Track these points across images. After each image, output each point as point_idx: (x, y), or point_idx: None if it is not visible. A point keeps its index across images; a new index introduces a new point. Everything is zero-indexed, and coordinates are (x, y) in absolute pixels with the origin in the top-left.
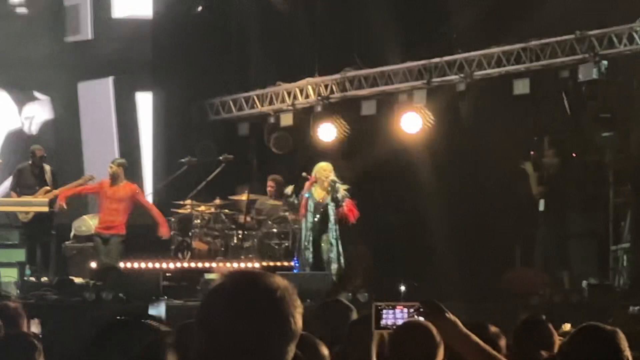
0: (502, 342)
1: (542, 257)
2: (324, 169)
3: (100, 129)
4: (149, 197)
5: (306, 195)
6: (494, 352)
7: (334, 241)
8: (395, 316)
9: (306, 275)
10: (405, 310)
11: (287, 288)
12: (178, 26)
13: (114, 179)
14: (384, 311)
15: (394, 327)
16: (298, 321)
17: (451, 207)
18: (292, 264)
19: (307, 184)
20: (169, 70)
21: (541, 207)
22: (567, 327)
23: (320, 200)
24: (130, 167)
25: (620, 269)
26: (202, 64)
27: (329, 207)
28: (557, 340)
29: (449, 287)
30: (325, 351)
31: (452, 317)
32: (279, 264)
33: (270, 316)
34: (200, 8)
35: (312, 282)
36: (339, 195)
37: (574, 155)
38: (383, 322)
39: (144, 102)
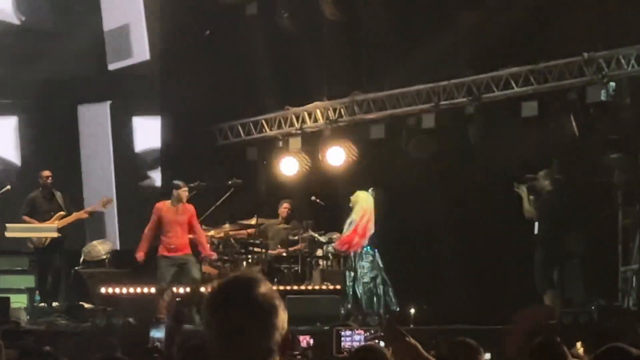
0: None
1: (537, 279)
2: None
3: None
4: None
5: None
6: None
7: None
8: (354, 340)
9: (316, 298)
10: (365, 334)
11: (277, 297)
12: (186, 51)
13: (178, 200)
14: (344, 335)
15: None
16: (283, 328)
17: (460, 230)
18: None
19: None
20: (177, 95)
21: (536, 230)
22: (579, 347)
23: None
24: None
25: (630, 290)
26: (210, 88)
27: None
28: None
29: (458, 310)
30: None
31: (413, 342)
32: (317, 287)
33: (259, 321)
34: (207, 32)
35: (322, 306)
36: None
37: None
38: (343, 345)
39: (152, 127)
